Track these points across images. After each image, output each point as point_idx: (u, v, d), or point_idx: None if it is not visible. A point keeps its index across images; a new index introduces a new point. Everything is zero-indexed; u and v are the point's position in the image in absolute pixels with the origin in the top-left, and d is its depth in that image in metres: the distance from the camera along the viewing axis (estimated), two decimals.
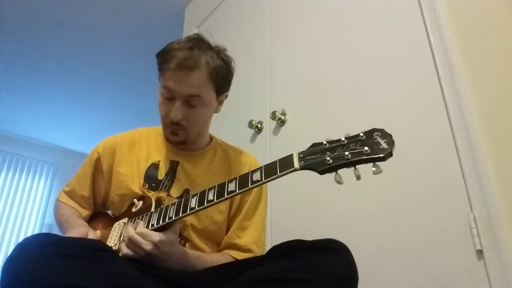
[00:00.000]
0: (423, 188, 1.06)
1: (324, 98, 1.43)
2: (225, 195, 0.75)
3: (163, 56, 0.93)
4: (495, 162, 0.96)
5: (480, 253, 0.91)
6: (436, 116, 1.08)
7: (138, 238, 0.79)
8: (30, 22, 2.73)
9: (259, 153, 1.52)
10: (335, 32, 1.47)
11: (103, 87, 3.52)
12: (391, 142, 0.62)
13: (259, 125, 1.62)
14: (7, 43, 2.95)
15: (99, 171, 1.07)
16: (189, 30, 2.36)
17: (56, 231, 0.99)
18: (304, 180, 1.35)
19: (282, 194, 1.44)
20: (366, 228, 1.15)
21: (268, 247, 0.98)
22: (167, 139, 1.04)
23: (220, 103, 1.04)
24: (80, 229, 0.92)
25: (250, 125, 1.62)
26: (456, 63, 1.09)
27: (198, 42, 0.95)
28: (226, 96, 1.05)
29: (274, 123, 1.56)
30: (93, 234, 0.94)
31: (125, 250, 0.80)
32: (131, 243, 0.79)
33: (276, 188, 1.46)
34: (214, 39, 1.00)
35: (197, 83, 0.91)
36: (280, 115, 1.53)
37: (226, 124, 1.79)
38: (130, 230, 0.81)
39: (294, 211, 1.39)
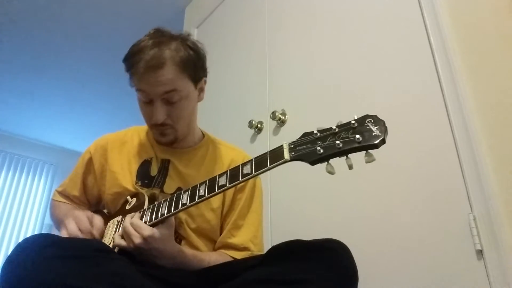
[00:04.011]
0: (423, 188, 1.06)
1: (324, 98, 1.42)
2: (216, 190, 0.74)
3: (129, 61, 0.92)
4: (495, 162, 0.96)
5: (480, 253, 0.91)
6: (436, 116, 1.08)
7: (130, 229, 0.80)
8: (30, 22, 2.73)
9: (259, 153, 1.51)
10: (335, 32, 1.47)
11: (103, 87, 3.51)
12: (383, 129, 0.60)
13: (259, 125, 1.62)
14: (7, 43, 2.95)
15: (91, 171, 1.07)
16: (189, 30, 2.36)
17: (56, 231, 0.99)
18: (305, 180, 1.36)
19: (282, 194, 1.44)
20: (366, 228, 1.15)
21: (268, 247, 0.98)
22: (157, 141, 1.04)
23: (201, 90, 1.03)
24: (86, 211, 0.94)
25: (250, 125, 1.62)
26: (456, 63, 1.09)
27: (159, 37, 0.93)
28: (205, 82, 1.03)
29: (274, 123, 1.56)
30: (100, 218, 0.94)
31: (117, 240, 0.82)
32: (124, 233, 0.81)
33: (276, 188, 1.46)
34: (174, 30, 0.98)
35: (169, 78, 0.90)
36: (280, 115, 1.52)
37: (226, 124, 1.79)
38: (127, 220, 0.82)
39: (294, 211, 1.39)
